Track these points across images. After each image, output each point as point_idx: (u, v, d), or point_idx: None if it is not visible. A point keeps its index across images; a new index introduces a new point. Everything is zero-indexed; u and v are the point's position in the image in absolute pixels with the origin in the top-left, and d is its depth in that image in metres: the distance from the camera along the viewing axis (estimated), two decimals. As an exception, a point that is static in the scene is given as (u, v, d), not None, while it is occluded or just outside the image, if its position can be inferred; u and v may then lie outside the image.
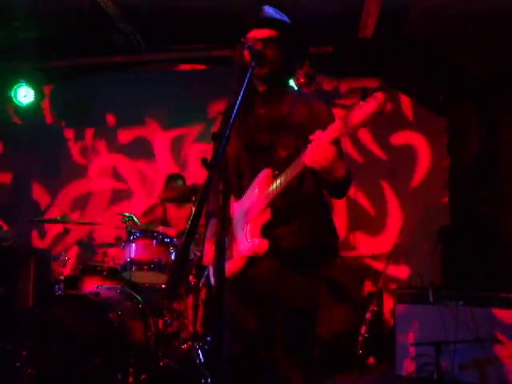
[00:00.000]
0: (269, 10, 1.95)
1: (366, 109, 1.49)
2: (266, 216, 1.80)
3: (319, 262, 1.89)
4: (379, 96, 1.47)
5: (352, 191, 5.01)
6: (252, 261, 1.83)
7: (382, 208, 4.99)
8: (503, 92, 4.45)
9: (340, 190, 1.85)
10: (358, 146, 5.05)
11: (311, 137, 1.64)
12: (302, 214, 1.87)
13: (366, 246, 4.93)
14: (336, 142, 1.61)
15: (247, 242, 1.81)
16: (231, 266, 1.83)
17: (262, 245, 1.78)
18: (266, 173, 1.83)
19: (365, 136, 5.02)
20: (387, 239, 4.84)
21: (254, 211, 1.82)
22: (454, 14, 3.83)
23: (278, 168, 1.80)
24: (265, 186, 1.81)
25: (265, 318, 1.90)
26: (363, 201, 5.02)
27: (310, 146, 1.62)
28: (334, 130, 1.58)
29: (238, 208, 1.93)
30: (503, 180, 4.48)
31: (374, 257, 4.85)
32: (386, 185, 5.01)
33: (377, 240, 4.93)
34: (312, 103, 1.93)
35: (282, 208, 1.81)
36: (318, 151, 1.59)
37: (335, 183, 1.76)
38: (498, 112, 4.55)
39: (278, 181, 1.75)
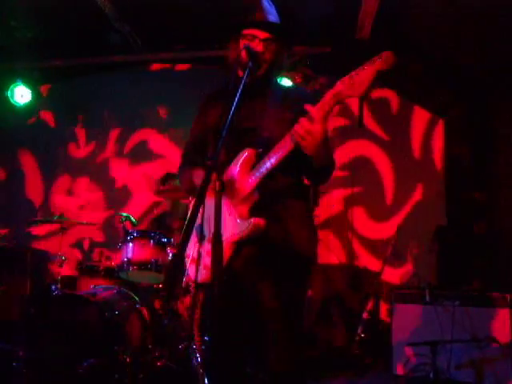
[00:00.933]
0: (266, 4, 1.96)
1: (371, 68, 1.50)
2: (254, 197, 1.77)
3: (302, 246, 1.85)
4: (387, 54, 1.48)
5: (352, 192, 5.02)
6: (238, 247, 1.78)
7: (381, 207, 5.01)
8: (503, 92, 4.46)
9: (322, 173, 1.83)
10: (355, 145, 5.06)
11: (305, 106, 1.62)
12: (285, 196, 1.85)
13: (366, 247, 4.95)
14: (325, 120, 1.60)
15: (238, 223, 1.76)
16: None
17: (259, 222, 1.73)
18: (247, 152, 1.80)
19: (359, 132, 5.02)
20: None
21: (240, 192, 1.77)
22: (452, 13, 3.84)
23: (261, 147, 1.77)
24: (248, 166, 1.78)
25: (251, 306, 1.86)
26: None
27: (300, 119, 1.61)
28: (338, 90, 1.57)
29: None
30: (501, 180, 4.49)
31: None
32: (386, 185, 5.03)
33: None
34: (301, 98, 1.91)
35: (267, 191, 1.78)
36: (307, 129, 1.58)
37: (319, 167, 1.74)
38: (497, 112, 4.56)
39: (272, 159, 1.70)
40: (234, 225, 1.77)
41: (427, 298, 3.56)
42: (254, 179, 1.75)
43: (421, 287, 3.72)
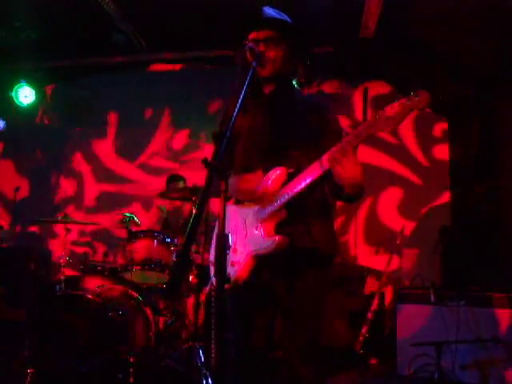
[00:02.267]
0: (268, 11, 1.95)
1: (406, 105, 1.51)
2: (282, 215, 1.81)
3: (324, 262, 1.91)
4: (424, 94, 1.49)
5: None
6: (262, 260, 1.83)
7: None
8: (503, 92, 4.44)
9: (353, 197, 1.85)
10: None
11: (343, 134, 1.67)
12: (312, 214, 1.88)
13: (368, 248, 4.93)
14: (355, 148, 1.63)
15: (264, 240, 1.81)
16: (241, 267, 1.84)
17: (283, 241, 1.78)
18: (279, 171, 1.83)
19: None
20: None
21: (268, 210, 1.82)
22: (454, 13, 3.83)
23: (291, 167, 1.81)
24: (279, 184, 1.81)
25: (270, 318, 1.91)
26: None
27: (333, 149, 1.64)
28: (361, 131, 1.59)
29: (244, 207, 1.93)
30: (503, 180, 4.47)
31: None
32: (386, 184, 5.02)
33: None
34: (321, 109, 1.96)
35: (295, 208, 1.81)
36: (340, 156, 1.62)
37: (351, 193, 1.78)
38: (498, 112, 4.54)
39: (303, 183, 1.74)
40: (259, 240, 1.82)
41: (432, 298, 3.55)
42: (283, 199, 1.78)
43: (426, 287, 3.71)
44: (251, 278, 1.84)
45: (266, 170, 1.85)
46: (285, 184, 1.81)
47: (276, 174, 1.83)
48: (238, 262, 1.85)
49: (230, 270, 1.85)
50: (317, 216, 1.90)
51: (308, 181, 1.72)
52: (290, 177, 1.80)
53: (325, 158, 1.68)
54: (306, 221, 1.86)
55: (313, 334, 1.88)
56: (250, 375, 1.89)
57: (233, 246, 1.88)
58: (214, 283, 1.84)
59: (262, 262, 1.84)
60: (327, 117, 1.94)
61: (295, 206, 1.80)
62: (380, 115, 1.57)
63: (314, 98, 2.04)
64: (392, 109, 1.55)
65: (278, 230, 1.81)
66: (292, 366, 1.83)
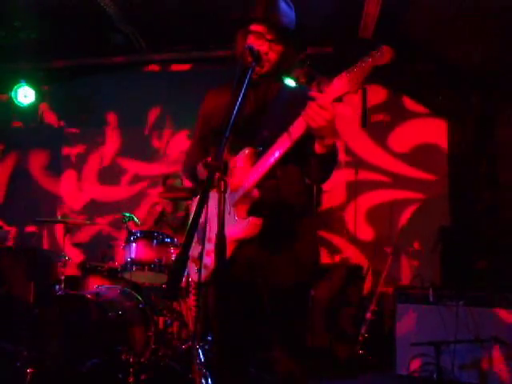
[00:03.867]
0: (282, 5, 1.89)
1: (368, 62, 1.50)
2: (254, 196, 1.75)
3: (305, 240, 1.84)
4: (385, 49, 1.49)
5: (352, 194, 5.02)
6: (240, 245, 1.77)
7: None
8: (503, 92, 4.45)
9: (325, 165, 1.77)
10: (356, 147, 5.06)
11: (311, 93, 1.59)
12: (285, 192, 1.83)
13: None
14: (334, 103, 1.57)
15: (237, 223, 1.75)
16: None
17: (255, 223, 1.72)
18: (247, 151, 1.79)
19: (362, 136, 5.03)
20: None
21: (239, 191, 1.76)
22: (454, 13, 3.84)
23: (261, 146, 1.76)
24: (247, 165, 1.77)
25: (254, 306, 1.86)
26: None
27: (309, 103, 1.57)
28: (334, 88, 1.55)
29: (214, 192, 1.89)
30: (503, 179, 4.48)
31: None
32: (386, 185, 5.02)
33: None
34: (306, 98, 1.89)
35: (267, 189, 1.77)
36: (318, 109, 1.54)
37: (324, 153, 1.69)
38: (498, 111, 4.55)
39: (272, 159, 1.68)
40: (233, 224, 1.76)
41: (431, 298, 3.56)
42: (253, 178, 1.73)
43: (424, 287, 3.71)
44: (228, 265, 1.72)
45: (236, 152, 1.81)
46: (254, 164, 1.76)
47: (244, 153, 1.79)
48: (213, 250, 1.81)
49: (207, 261, 1.78)
50: (292, 195, 1.84)
51: (277, 155, 1.67)
52: (259, 156, 1.74)
53: (293, 126, 1.63)
54: (279, 199, 1.80)
55: (300, 329, 1.84)
56: (232, 373, 1.84)
57: (207, 235, 1.80)
58: (194, 279, 1.78)
59: (238, 247, 1.77)
60: (301, 97, 1.83)
61: (267, 185, 1.75)
62: (342, 77, 1.54)
63: (304, 89, 2.00)
64: (354, 68, 1.53)
65: (252, 211, 1.75)
66: (282, 362, 1.80)
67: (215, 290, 1.76)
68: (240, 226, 1.75)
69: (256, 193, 1.75)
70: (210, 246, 1.76)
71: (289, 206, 1.83)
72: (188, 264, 1.91)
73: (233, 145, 1.79)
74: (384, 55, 1.50)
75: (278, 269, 1.80)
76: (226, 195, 1.71)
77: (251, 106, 1.90)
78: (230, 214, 1.78)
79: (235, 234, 1.75)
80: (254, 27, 1.87)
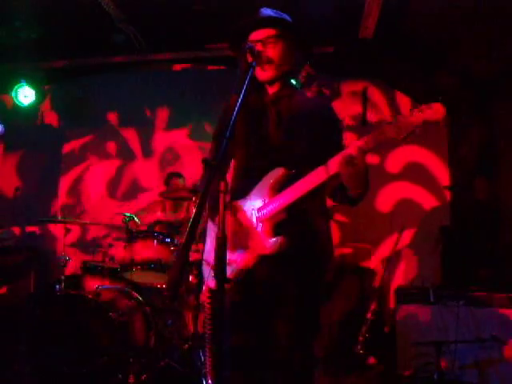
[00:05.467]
0: (266, 12, 1.95)
1: (419, 116, 1.50)
2: (282, 216, 1.81)
3: (321, 262, 1.91)
4: (438, 106, 1.48)
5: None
6: (260, 260, 1.83)
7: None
8: (503, 92, 4.44)
9: (356, 202, 1.85)
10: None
11: (346, 142, 1.67)
12: (311, 216, 1.89)
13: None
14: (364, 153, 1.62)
15: (263, 239, 1.80)
16: (240, 265, 1.83)
17: (282, 242, 1.78)
18: (280, 172, 1.83)
19: (363, 130, 5.02)
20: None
21: (270, 210, 1.81)
22: (454, 13, 3.83)
23: (293, 167, 1.80)
24: (278, 185, 1.82)
25: (265, 320, 1.90)
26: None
27: (344, 153, 1.63)
28: (374, 138, 1.59)
29: (242, 207, 1.92)
30: (503, 179, 4.48)
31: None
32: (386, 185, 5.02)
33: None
34: (325, 110, 1.96)
35: (295, 212, 1.82)
36: (351, 161, 1.60)
37: (355, 198, 1.78)
38: (498, 112, 4.55)
39: (307, 188, 1.73)
40: (258, 240, 1.82)
41: (431, 298, 3.55)
42: (284, 201, 1.78)
43: (425, 287, 3.71)
44: (249, 277, 1.83)
45: (268, 171, 1.85)
46: (285, 184, 1.80)
47: (278, 173, 1.83)
48: (236, 261, 1.85)
49: (228, 269, 1.85)
50: (316, 218, 1.90)
51: (313, 185, 1.72)
52: (292, 178, 1.79)
53: (331, 162, 1.68)
54: (305, 222, 1.87)
55: (310, 335, 1.88)
56: (242, 377, 1.87)
57: (229, 245, 1.87)
58: (212, 285, 1.83)
59: (260, 261, 1.83)
60: (331, 118, 1.95)
61: (295, 207, 1.80)
62: (392, 125, 1.56)
63: (318, 99, 2.04)
64: (405, 119, 1.53)
65: (278, 230, 1.81)
66: (290, 366, 1.83)
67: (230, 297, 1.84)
68: (269, 242, 1.79)
69: (284, 214, 1.80)
70: (232, 256, 1.84)
71: (311, 228, 1.89)
72: (203, 268, 1.95)
73: (261, 162, 1.87)
74: (436, 112, 1.51)
75: (292, 286, 1.85)
76: (253, 209, 1.84)
77: (275, 122, 1.93)
78: (256, 228, 1.84)
79: (263, 249, 1.80)
80: (250, 38, 1.91)
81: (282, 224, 1.82)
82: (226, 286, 1.59)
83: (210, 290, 1.78)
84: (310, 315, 1.89)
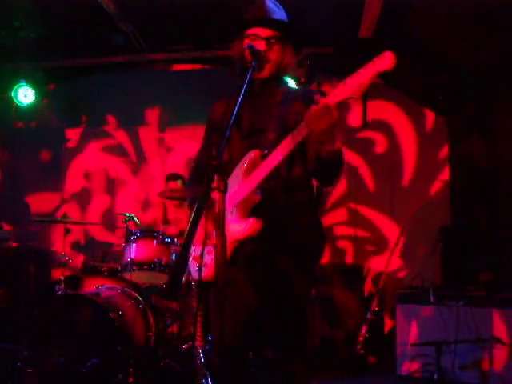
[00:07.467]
0: (270, 4, 1.95)
1: (371, 69, 1.49)
2: (256, 197, 1.78)
3: (306, 243, 1.85)
4: (388, 55, 1.46)
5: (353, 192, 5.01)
6: (240, 245, 1.78)
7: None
8: (503, 92, 4.44)
9: (331, 169, 1.76)
10: (356, 146, 5.06)
11: (314, 97, 1.61)
12: (289, 196, 1.84)
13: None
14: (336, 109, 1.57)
15: (238, 224, 1.77)
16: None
17: (256, 224, 1.75)
18: (253, 153, 1.81)
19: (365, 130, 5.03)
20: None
21: (242, 193, 1.79)
22: (454, 13, 3.83)
23: (266, 149, 1.77)
24: (252, 167, 1.79)
25: (253, 309, 1.85)
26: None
27: (312, 107, 1.57)
28: (337, 93, 1.56)
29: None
30: (503, 180, 4.48)
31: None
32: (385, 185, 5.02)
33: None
34: (308, 97, 1.88)
35: (270, 190, 1.79)
36: (320, 112, 1.54)
37: (328, 158, 1.68)
38: (498, 112, 4.55)
39: (280, 155, 1.68)
40: (235, 224, 1.78)
41: (431, 298, 3.55)
42: (255, 179, 1.76)
43: (425, 287, 3.71)
44: (228, 264, 1.71)
45: (243, 155, 1.83)
46: (258, 165, 1.77)
47: (250, 156, 1.81)
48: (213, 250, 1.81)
49: (207, 260, 1.80)
50: (295, 194, 1.85)
51: (280, 157, 1.68)
52: (264, 157, 1.76)
53: (296, 130, 1.64)
54: (281, 202, 1.82)
55: (300, 327, 1.85)
56: (228, 374, 1.82)
57: (211, 235, 1.80)
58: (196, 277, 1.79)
59: (239, 246, 1.78)
60: (309, 98, 1.85)
61: (269, 187, 1.77)
62: (346, 83, 1.55)
63: (306, 89, 2.03)
64: (357, 74, 1.53)
65: (253, 212, 1.77)
66: (282, 363, 1.80)
67: (215, 290, 1.72)
68: (241, 226, 1.76)
69: (258, 194, 1.77)
70: (210, 246, 1.76)
71: (292, 206, 1.84)
72: (189, 263, 1.92)
73: (239, 149, 1.84)
74: (386, 61, 1.48)
75: (278, 268, 1.81)
76: (230, 194, 1.76)
77: (256, 111, 1.91)
78: (232, 213, 1.79)
79: (236, 234, 1.77)
80: (248, 31, 1.90)
81: (257, 207, 1.78)
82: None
83: (197, 283, 1.75)
84: (298, 299, 1.83)
